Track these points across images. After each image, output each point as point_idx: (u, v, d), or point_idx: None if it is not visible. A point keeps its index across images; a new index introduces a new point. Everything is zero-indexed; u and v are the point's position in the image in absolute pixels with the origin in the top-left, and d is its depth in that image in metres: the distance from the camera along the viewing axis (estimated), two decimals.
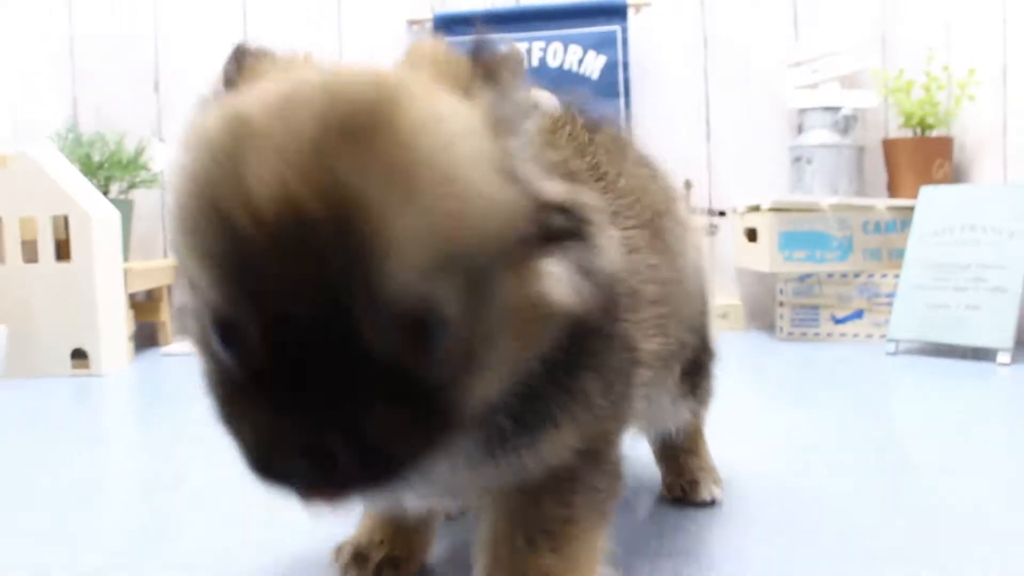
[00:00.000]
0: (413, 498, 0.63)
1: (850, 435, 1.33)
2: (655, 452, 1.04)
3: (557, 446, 0.58)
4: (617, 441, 0.67)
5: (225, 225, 0.40)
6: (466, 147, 0.44)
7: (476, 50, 0.50)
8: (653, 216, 0.74)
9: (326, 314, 0.40)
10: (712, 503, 1.00)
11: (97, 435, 1.55)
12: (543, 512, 0.62)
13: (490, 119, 0.47)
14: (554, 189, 0.51)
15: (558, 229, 0.50)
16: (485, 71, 0.49)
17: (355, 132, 0.40)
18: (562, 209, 0.50)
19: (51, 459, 1.31)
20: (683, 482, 1.01)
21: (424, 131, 0.42)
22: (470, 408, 0.48)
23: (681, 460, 1.01)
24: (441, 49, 0.50)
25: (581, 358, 0.56)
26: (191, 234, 0.42)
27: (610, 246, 0.54)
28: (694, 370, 0.93)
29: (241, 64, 0.51)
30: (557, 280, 0.49)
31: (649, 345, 0.65)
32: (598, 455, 0.63)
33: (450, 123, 0.44)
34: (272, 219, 0.39)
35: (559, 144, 0.63)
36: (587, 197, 0.53)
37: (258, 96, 0.44)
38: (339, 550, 0.81)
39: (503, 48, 0.50)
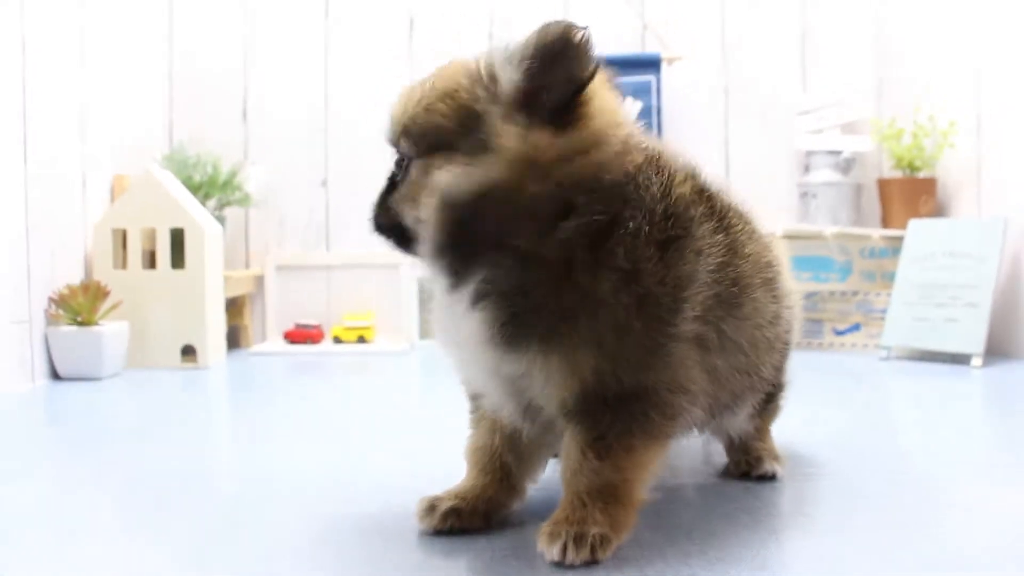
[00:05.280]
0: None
1: (849, 422, 1.59)
2: (725, 443, 1.16)
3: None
4: (667, 384, 0.85)
5: None
6: None
7: None
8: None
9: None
10: (773, 477, 1.11)
11: (215, 417, 1.88)
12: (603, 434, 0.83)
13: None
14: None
15: None
16: None
17: None
18: None
19: (184, 443, 1.49)
20: (748, 458, 1.12)
21: None
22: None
23: (747, 442, 1.14)
24: None
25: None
26: None
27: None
28: (768, 399, 1.12)
29: None
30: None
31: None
32: (649, 393, 0.84)
33: None
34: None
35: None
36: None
37: None
38: (420, 502, 0.94)
39: None
